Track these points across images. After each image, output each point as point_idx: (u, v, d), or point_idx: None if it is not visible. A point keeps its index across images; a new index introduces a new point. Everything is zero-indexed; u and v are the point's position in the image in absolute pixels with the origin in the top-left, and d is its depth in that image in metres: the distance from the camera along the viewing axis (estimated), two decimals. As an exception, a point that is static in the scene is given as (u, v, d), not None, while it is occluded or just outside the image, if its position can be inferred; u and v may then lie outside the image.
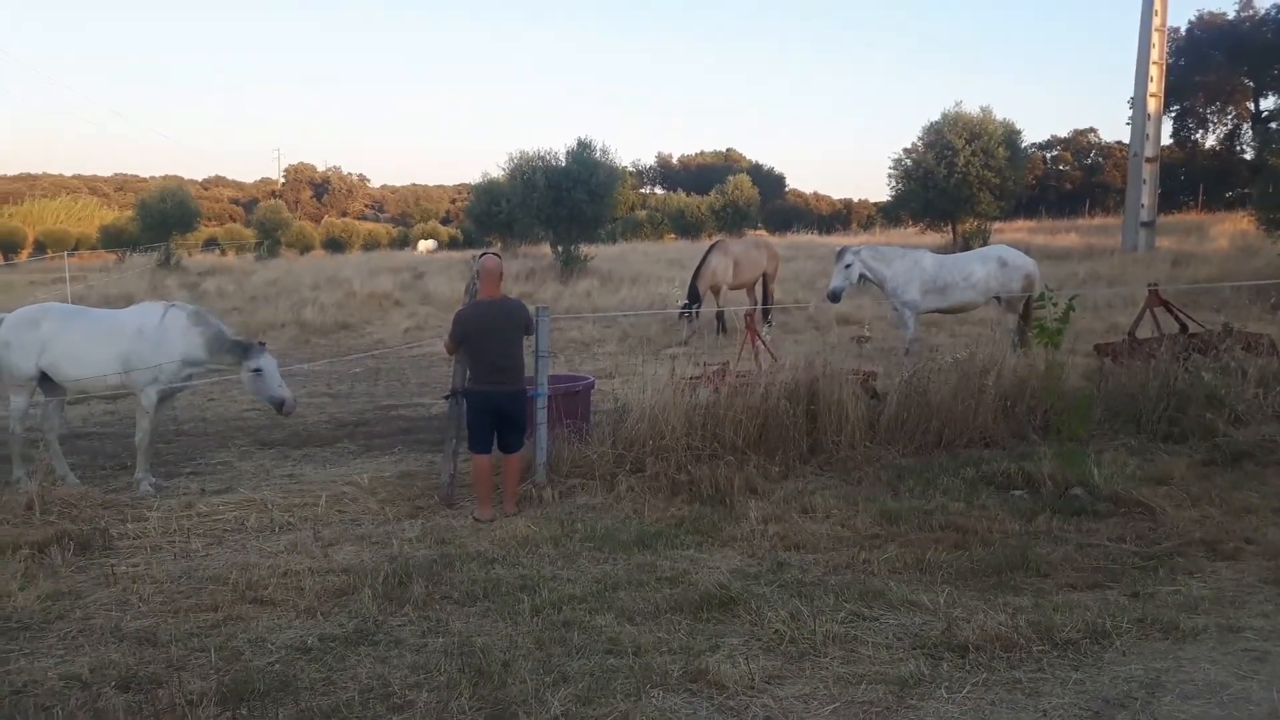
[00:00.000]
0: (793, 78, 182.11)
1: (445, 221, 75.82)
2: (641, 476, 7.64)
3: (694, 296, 16.72)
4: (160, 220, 38.33)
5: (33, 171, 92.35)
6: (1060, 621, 4.92)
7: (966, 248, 23.27)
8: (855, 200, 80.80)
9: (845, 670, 4.52)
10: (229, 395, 12.52)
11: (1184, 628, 4.91)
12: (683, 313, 16.65)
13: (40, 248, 52.38)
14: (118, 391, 8.27)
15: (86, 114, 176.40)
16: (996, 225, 31.84)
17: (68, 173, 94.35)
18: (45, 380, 8.27)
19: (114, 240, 47.08)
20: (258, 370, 8.02)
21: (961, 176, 28.35)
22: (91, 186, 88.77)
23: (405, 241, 62.72)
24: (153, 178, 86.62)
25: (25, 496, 7.08)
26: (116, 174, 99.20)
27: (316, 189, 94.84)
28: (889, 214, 44.03)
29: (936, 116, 30.22)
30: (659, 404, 8.11)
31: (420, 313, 21.06)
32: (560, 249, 27.91)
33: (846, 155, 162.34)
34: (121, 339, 8.04)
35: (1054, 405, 8.50)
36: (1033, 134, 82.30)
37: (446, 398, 7.97)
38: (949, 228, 30.31)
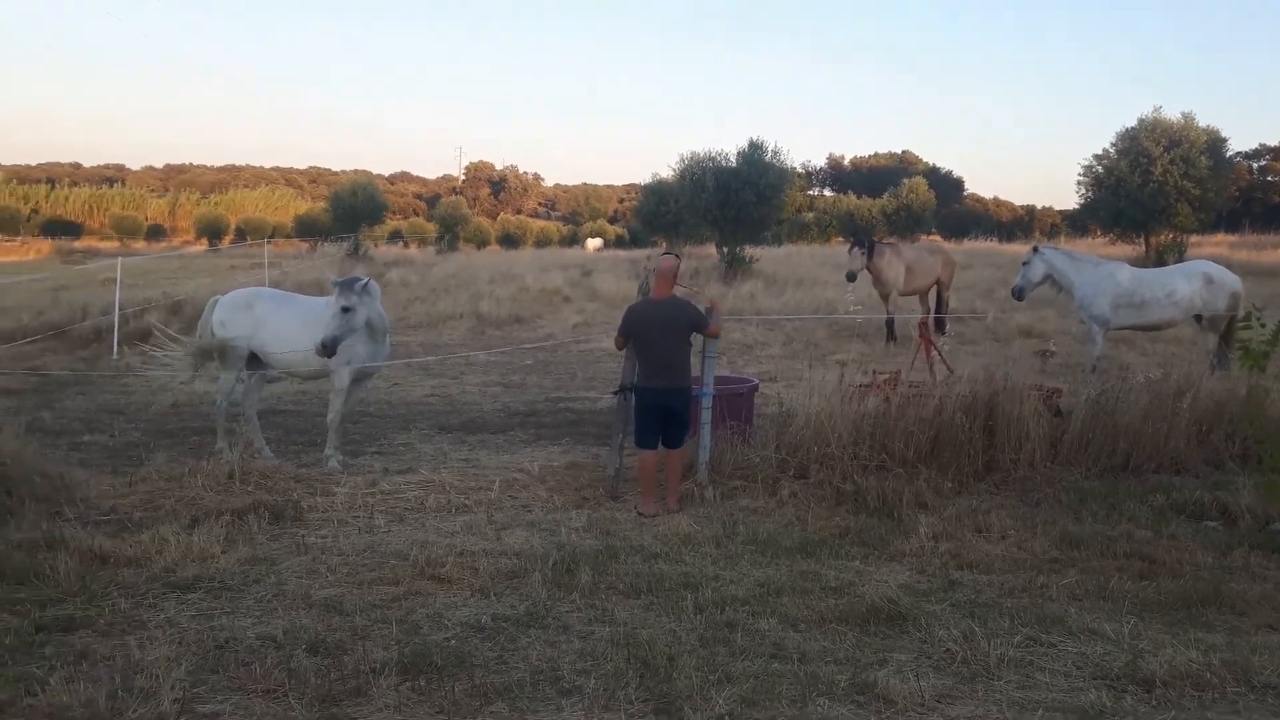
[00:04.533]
0: (975, 77, 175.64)
1: (613, 220, 77.06)
2: (805, 483, 7.56)
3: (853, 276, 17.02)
4: (350, 212, 40.53)
5: (236, 163, 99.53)
6: (1258, 663, 4.61)
7: (1160, 261, 21.94)
8: (1039, 207, 77.30)
9: (1021, 695, 4.37)
10: (411, 381, 13.12)
11: (1401, 680, 4.50)
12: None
13: (241, 234, 56.21)
14: (319, 372, 8.78)
15: (286, 109, 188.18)
16: (1193, 239, 29.91)
17: (267, 165, 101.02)
18: (251, 359, 8.87)
19: (307, 229, 49.90)
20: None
21: (1158, 186, 26.82)
22: (288, 178, 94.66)
23: (574, 239, 64.10)
24: (344, 171, 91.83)
25: (227, 467, 7.64)
26: (310, 167, 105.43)
27: (494, 186, 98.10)
28: (1076, 223, 42.01)
29: (1132, 122, 28.68)
30: (825, 410, 7.98)
31: (588, 309, 21.46)
32: (725, 250, 27.88)
33: (1031, 160, 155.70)
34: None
35: (1256, 433, 7.93)
36: (1239, 142, 76.95)
37: (616, 393, 8.11)
38: (1141, 239, 28.68)
